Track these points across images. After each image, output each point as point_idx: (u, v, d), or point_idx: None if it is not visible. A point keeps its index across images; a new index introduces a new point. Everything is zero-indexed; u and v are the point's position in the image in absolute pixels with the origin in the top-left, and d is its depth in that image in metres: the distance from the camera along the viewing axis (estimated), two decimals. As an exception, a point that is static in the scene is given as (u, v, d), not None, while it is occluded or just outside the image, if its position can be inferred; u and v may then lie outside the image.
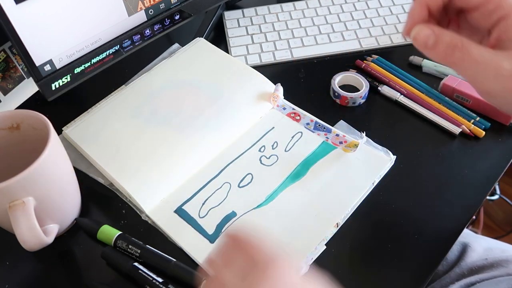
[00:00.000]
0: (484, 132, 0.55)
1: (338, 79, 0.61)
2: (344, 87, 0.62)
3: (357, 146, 0.54)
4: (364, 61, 0.65)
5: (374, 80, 0.63)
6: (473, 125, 0.56)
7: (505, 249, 0.60)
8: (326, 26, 0.71)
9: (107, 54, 0.56)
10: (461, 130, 0.56)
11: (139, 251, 0.46)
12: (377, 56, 0.66)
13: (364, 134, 0.55)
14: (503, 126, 0.57)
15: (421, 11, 0.37)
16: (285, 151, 0.55)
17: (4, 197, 0.40)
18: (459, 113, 0.58)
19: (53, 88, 0.53)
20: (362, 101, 0.60)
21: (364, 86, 0.60)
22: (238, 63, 0.64)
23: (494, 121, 0.57)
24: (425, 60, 0.65)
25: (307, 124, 0.58)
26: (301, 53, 0.68)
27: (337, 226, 0.48)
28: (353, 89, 0.62)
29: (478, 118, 0.57)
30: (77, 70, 0.54)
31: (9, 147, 0.48)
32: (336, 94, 0.60)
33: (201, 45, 0.67)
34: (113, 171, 0.52)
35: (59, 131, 0.57)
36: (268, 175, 0.53)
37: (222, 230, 0.48)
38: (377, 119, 0.59)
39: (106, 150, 0.54)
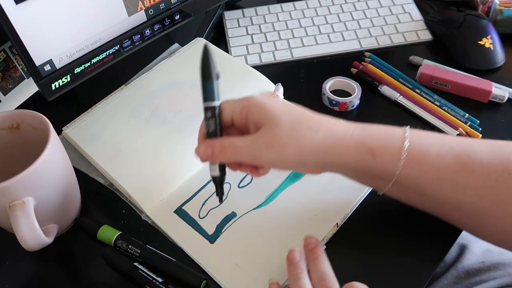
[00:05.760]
0: (480, 135, 0.55)
1: (328, 87, 0.61)
2: (334, 92, 0.61)
3: None
4: (362, 63, 0.65)
5: (374, 80, 0.63)
6: (469, 128, 0.56)
7: (504, 252, 0.60)
8: (326, 26, 0.71)
9: (107, 54, 0.56)
10: (458, 133, 0.56)
11: (139, 251, 0.46)
12: (370, 54, 0.66)
13: None
14: (494, 122, 0.58)
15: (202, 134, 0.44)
16: (285, 151, 0.55)
17: (4, 197, 0.40)
18: (453, 113, 0.58)
19: (53, 88, 0.53)
20: (358, 102, 0.60)
21: (356, 88, 0.60)
22: (238, 63, 0.64)
23: (482, 117, 0.58)
24: (425, 60, 0.65)
25: (307, 124, 0.58)
26: (301, 53, 0.68)
27: (337, 226, 0.48)
28: (344, 93, 0.62)
29: (467, 115, 0.58)
30: (77, 70, 0.54)
31: (9, 147, 0.48)
32: (334, 102, 0.60)
33: (201, 45, 0.66)
34: (113, 171, 0.52)
35: (59, 131, 0.57)
36: (268, 175, 0.53)
37: (222, 231, 0.48)
38: (377, 119, 0.59)
39: (106, 150, 0.54)
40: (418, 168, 0.41)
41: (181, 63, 0.64)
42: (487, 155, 0.41)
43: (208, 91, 0.42)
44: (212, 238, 0.48)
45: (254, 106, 0.42)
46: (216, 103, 0.42)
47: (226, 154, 0.41)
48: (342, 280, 0.41)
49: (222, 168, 0.44)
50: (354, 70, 0.64)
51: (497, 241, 0.44)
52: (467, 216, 0.43)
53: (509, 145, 0.42)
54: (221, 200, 0.45)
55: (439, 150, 0.42)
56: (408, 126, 0.43)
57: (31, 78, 0.56)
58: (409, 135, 0.42)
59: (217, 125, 0.42)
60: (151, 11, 0.58)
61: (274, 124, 0.40)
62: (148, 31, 0.59)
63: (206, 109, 0.42)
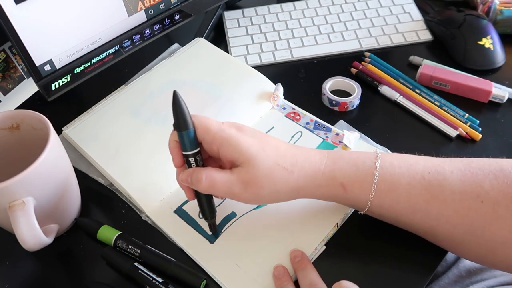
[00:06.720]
0: (480, 135, 0.55)
1: (328, 87, 0.61)
2: (334, 92, 0.61)
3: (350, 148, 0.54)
4: (362, 63, 0.65)
5: (374, 80, 0.63)
6: (469, 128, 0.56)
7: None
8: (326, 26, 0.71)
9: (107, 54, 0.56)
10: (458, 133, 0.56)
11: (139, 251, 0.46)
12: (370, 54, 0.66)
13: (347, 131, 0.55)
14: (494, 122, 0.58)
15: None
16: (285, 151, 0.55)
17: (4, 197, 0.40)
18: (453, 113, 0.58)
19: (53, 88, 0.53)
20: (358, 102, 0.60)
21: (356, 88, 0.60)
22: (238, 63, 0.64)
23: (482, 117, 0.58)
24: (425, 60, 0.65)
25: (307, 123, 0.58)
26: (301, 53, 0.68)
27: (337, 226, 0.48)
28: (344, 93, 0.62)
29: (467, 115, 0.58)
30: (77, 70, 0.54)
31: (9, 147, 0.48)
32: (334, 102, 0.60)
33: (201, 45, 0.67)
34: (113, 171, 0.52)
35: (59, 131, 0.57)
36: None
37: (222, 231, 0.48)
38: (377, 119, 0.59)
39: (106, 150, 0.54)
40: (389, 198, 0.42)
41: (181, 63, 0.64)
42: (459, 183, 0.41)
43: (189, 141, 0.43)
44: (212, 238, 0.48)
45: (227, 144, 0.42)
46: (197, 149, 0.43)
47: (204, 187, 0.42)
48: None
49: (211, 208, 0.46)
50: (354, 70, 0.65)
51: (476, 261, 0.45)
52: (443, 242, 0.44)
53: (482, 170, 0.41)
54: (216, 235, 0.48)
55: (410, 180, 0.42)
56: (380, 154, 0.44)
57: (31, 78, 0.56)
58: (379, 166, 0.43)
59: (199, 164, 0.44)
60: (151, 11, 0.58)
61: (251, 165, 0.41)
62: (148, 31, 0.59)
63: (188, 156, 0.43)
